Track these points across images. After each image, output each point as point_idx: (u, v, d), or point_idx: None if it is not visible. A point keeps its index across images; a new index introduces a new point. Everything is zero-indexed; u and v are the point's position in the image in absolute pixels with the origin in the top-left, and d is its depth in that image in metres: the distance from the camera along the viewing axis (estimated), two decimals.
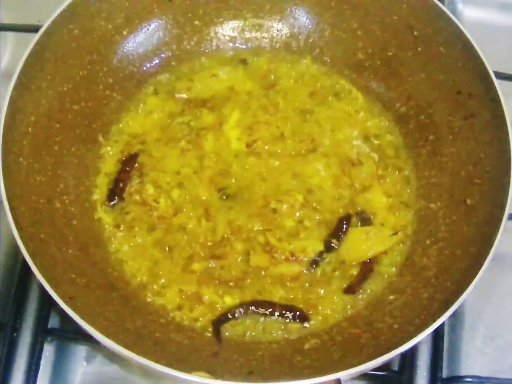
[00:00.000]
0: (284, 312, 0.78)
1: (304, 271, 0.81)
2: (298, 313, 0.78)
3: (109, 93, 0.90)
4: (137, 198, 0.85)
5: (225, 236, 0.82)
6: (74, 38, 0.83)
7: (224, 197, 0.85)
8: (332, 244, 0.81)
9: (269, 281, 0.80)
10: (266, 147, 0.88)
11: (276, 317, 0.78)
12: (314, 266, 0.81)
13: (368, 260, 0.81)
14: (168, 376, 0.63)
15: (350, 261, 0.81)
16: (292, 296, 0.80)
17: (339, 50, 0.94)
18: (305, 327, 0.78)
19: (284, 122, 0.90)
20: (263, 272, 0.81)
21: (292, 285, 0.80)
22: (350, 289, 0.80)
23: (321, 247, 0.81)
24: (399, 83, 0.90)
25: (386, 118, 0.91)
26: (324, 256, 0.81)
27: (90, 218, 0.83)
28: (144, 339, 0.73)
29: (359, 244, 0.82)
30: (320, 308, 0.79)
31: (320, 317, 0.79)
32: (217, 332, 0.77)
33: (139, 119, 0.90)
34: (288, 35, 0.96)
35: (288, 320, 0.78)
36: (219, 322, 0.77)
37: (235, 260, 0.81)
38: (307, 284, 0.80)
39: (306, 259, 0.81)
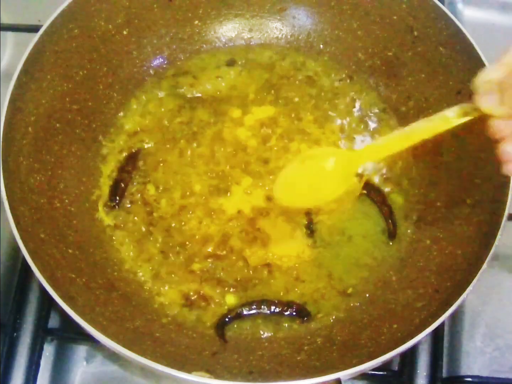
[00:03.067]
0: (285, 308, 0.78)
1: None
2: (299, 308, 0.79)
3: (109, 93, 0.90)
4: (138, 198, 0.85)
5: (226, 236, 0.83)
6: (74, 38, 0.83)
7: (225, 197, 0.85)
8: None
9: (271, 280, 0.81)
10: (268, 145, 0.89)
11: (278, 314, 0.78)
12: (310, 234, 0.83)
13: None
14: (168, 376, 0.63)
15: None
16: (293, 294, 0.80)
17: (339, 50, 0.94)
18: (306, 325, 0.78)
19: (284, 122, 0.90)
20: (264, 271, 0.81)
21: (294, 280, 0.81)
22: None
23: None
24: (399, 83, 0.90)
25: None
26: (312, 224, 0.83)
27: (90, 218, 0.83)
28: (144, 339, 0.73)
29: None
30: (320, 307, 0.79)
31: (320, 316, 0.79)
32: (221, 333, 0.77)
33: (139, 119, 0.91)
34: (288, 35, 0.96)
35: (289, 316, 0.78)
36: (224, 323, 0.78)
37: (235, 260, 0.82)
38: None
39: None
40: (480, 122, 0.79)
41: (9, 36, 1.03)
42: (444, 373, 0.79)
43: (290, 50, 0.95)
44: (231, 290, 0.80)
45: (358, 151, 0.66)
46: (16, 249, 0.77)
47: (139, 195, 0.86)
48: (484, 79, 0.55)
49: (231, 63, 0.94)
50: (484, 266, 0.68)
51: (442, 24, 0.83)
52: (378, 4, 0.89)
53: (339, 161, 0.66)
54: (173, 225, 0.84)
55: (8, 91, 0.74)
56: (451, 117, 0.60)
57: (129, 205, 0.85)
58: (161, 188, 0.86)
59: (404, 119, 0.90)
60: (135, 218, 0.84)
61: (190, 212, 0.84)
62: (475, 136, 0.80)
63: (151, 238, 0.83)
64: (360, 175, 0.86)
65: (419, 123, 0.62)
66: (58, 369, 0.82)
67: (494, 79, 0.54)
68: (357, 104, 0.92)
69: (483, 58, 0.78)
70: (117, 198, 0.85)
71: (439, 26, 0.83)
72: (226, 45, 0.96)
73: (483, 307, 0.85)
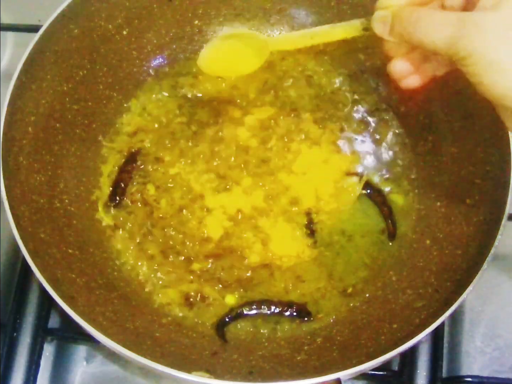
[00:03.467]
0: (285, 308, 0.78)
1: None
2: (299, 308, 0.79)
3: (109, 93, 0.90)
4: (138, 198, 0.85)
5: (226, 236, 0.83)
6: (74, 38, 0.83)
7: (225, 197, 0.85)
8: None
9: (272, 280, 0.81)
10: (268, 146, 0.88)
11: (278, 314, 0.78)
12: (310, 234, 0.83)
13: None
14: (168, 376, 0.63)
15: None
16: (294, 294, 0.80)
17: (339, 50, 0.93)
18: (306, 325, 0.78)
19: (284, 122, 0.90)
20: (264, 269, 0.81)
21: (295, 280, 0.81)
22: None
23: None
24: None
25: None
26: (312, 224, 0.83)
27: (90, 218, 0.83)
28: (144, 339, 0.73)
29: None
30: (321, 307, 0.80)
31: (320, 316, 0.79)
32: (221, 333, 0.77)
33: (139, 119, 0.91)
34: None
35: (289, 316, 0.78)
36: (224, 323, 0.78)
37: (235, 260, 0.82)
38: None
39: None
40: (480, 121, 0.79)
41: (9, 36, 1.03)
42: (444, 373, 0.79)
43: (290, 50, 0.95)
44: (231, 290, 0.80)
45: (270, 38, 0.76)
46: (16, 249, 0.77)
47: (139, 195, 0.86)
48: (383, 4, 0.61)
49: None
50: (484, 266, 0.68)
51: None
52: None
53: (253, 42, 0.75)
54: (173, 225, 0.84)
55: (8, 91, 0.74)
56: (353, 28, 0.67)
57: (129, 205, 0.85)
58: (161, 188, 0.86)
59: (404, 119, 0.90)
60: (135, 218, 0.84)
61: (190, 212, 0.84)
62: (475, 136, 0.80)
63: (151, 238, 0.83)
64: (360, 175, 0.87)
65: (326, 26, 0.69)
66: (58, 369, 0.82)
67: (392, 5, 0.60)
68: (357, 104, 0.92)
69: None
70: (117, 198, 0.85)
71: None
72: None
73: (483, 307, 0.85)
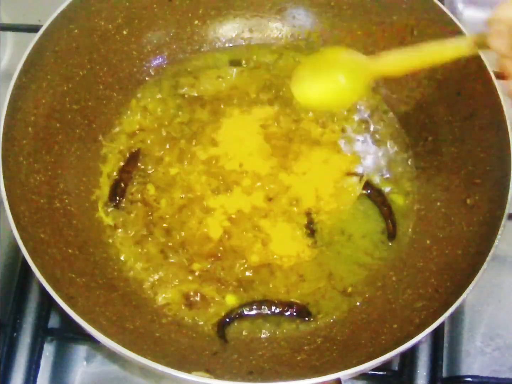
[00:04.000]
0: (285, 308, 0.78)
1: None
2: (299, 308, 0.79)
3: (109, 93, 0.90)
4: (138, 198, 0.85)
5: (226, 236, 0.83)
6: (74, 38, 0.83)
7: (225, 197, 0.85)
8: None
9: (272, 280, 0.81)
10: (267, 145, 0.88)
11: (278, 314, 0.78)
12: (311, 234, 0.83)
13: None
14: (168, 376, 0.63)
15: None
16: (294, 293, 0.80)
17: None
18: (306, 325, 0.78)
19: (284, 122, 0.90)
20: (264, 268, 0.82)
21: (295, 280, 0.81)
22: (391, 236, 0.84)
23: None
24: (400, 83, 0.90)
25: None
26: (313, 224, 0.84)
27: (90, 218, 0.83)
28: (144, 339, 0.73)
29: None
30: (321, 307, 0.80)
31: (320, 316, 0.79)
32: (222, 333, 0.77)
33: (139, 119, 0.91)
34: (288, 35, 0.96)
35: (289, 316, 0.78)
36: (225, 323, 0.78)
37: (235, 260, 0.82)
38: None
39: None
40: (480, 121, 0.79)
41: (9, 36, 1.03)
42: (444, 373, 0.79)
43: (290, 50, 0.95)
44: (231, 290, 0.80)
45: (371, 60, 0.64)
46: (16, 249, 0.77)
47: (139, 195, 0.86)
48: (498, 17, 0.54)
49: (233, 63, 0.94)
50: (484, 266, 0.68)
51: (442, 24, 0.83)
52: (378, 4, 0.89)
53: (351, 65, 0.66)
54: (173, 225, 0.84)
55: (8, 91, 0.74)
56: (464, 46, 0.60)
57: (129, 205, 0.85)
58: (161, 188, 0.86)
59: (404, 119, 0.90)
60: (135, 218, 0.84)
61: (190, 212, 0.84)
62: (475, 136, 0.80)
63: (151, 238, 0.83)
64: (360, 175, 0.86)
65: (432, 43, 0.61)
66: (58, 369, 0.82)
67: (509, 18, 0.53)
68: (358, 104, 0.92)
69: (483, 58, 0.78)
70: (117, 198, 0.85)
71: (439, 26, 0.83)
72: (226, 45, 0.96)
73: (483, 307, 0.85)
